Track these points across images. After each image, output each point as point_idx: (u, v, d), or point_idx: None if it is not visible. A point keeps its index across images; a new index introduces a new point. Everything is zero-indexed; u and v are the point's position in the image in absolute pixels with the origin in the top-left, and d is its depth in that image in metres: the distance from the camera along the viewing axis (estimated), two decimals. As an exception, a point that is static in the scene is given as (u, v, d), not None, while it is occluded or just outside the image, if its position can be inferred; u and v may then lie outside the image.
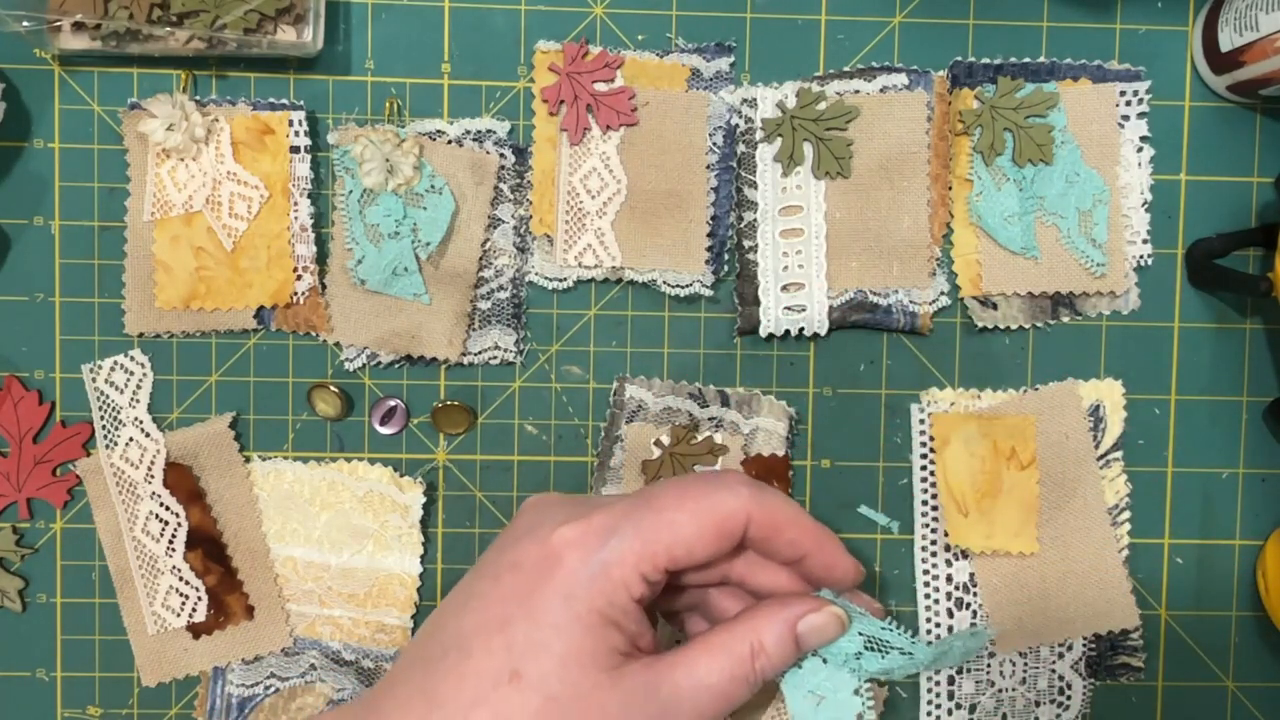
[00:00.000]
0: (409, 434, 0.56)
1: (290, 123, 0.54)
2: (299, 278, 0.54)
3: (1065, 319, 0.56)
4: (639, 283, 0.55)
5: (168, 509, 0.54)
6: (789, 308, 0.55)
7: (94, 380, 0.54)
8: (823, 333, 0.55)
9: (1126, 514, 0.56)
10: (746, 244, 0.55)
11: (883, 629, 0.39)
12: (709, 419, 0.55)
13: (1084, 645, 0.56)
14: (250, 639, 0.55)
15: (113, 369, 0.55)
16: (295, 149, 0.54)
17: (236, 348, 0.55)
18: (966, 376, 0.56)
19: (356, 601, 0.55)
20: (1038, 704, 0.56)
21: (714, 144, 0.55)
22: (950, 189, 0.55)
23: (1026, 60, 0.55)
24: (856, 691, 0.39)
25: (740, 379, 0.56)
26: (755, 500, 0.38)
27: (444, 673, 0.35)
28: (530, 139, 0.55)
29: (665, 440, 0.55)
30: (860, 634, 0.39)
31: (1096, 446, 0.56)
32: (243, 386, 0.55)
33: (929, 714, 0.56)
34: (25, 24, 0.50)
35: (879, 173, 0.54)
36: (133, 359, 0.55)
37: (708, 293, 0.55)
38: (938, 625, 0.56)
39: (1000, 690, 0.56)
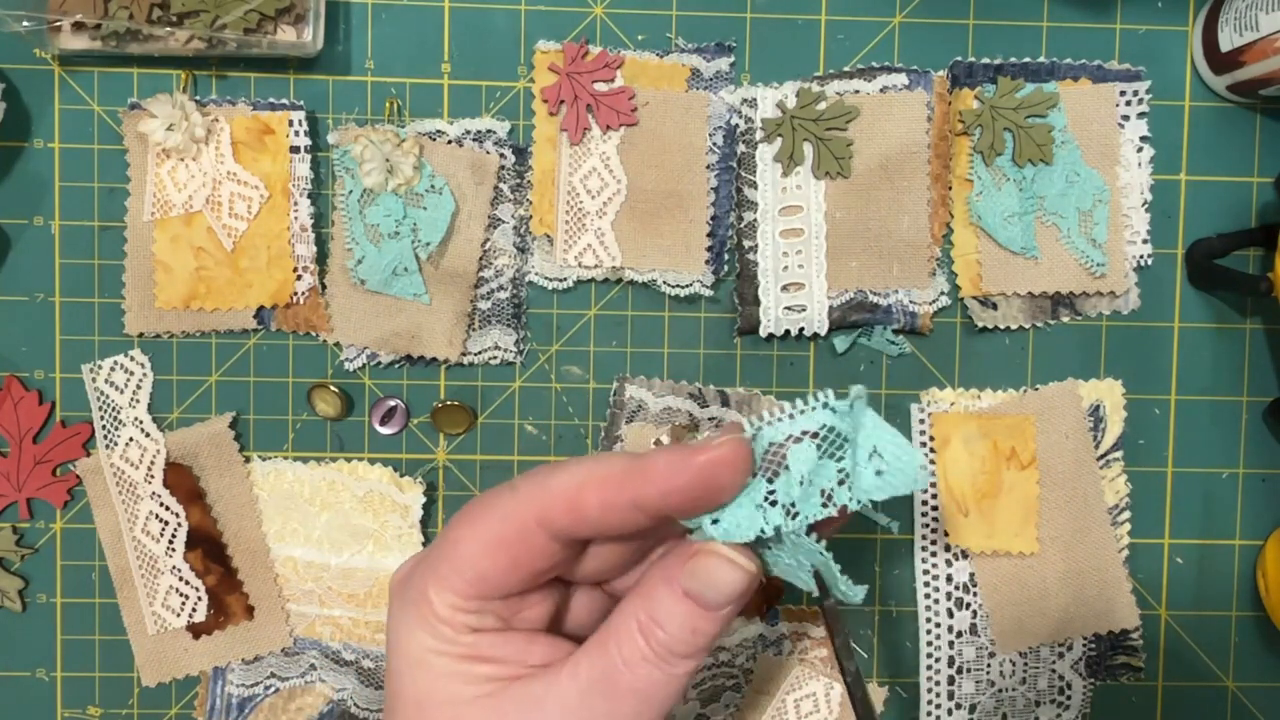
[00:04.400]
0: (409, 434, 0.56)
1: (290, 123, 0.54)
2: (299, 278, 0.54)
3: (1065, 319, 0.56)
4: (639, 283, 0.55)
5: (168, 509, 0.54)
6: (789, 308, 0.55)
7: (94, 380, 0.54)
8: (823, 333, 0.55)
9: (1126, 514, 0.56)
10: (746, 244, 0.55)
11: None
12: (709, 419, 0.55)
13: (1084, 645, 0.56)
14: (250, 639, 0.55)
15: (113, 369, 0.55)
16: (295, 149, 0.54)
17: (236, 348, 0.55)
18: (966, 376, 0.56)
19: (356, 601, 0.55)
20: (1038, 704, 0.56)
21: (714, 144, 0.55)
22: (950, 189, 0.55)
23: (1026, 60, 0.55)
24: (817, 541, 0.32)
25: (740, 379, 0.56)
26: (531, 495, 0.32)
27: None
28: (530, 139, 0.55)
29: (665, 440, 0.55)
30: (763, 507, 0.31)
31: (1096, 446, 0.56)
32: (243, 386, 0.55)
33: (929, 714, 0.56)
34: (25, 24, 0.50)
35: (879, 173, 0.54)
36: (133, 359, 0.55)
37: (708, 293, 0.55)
38: (938, 625, 0.56)
39: (1000, 690, 0.56)
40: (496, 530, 0.32)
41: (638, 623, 0.32)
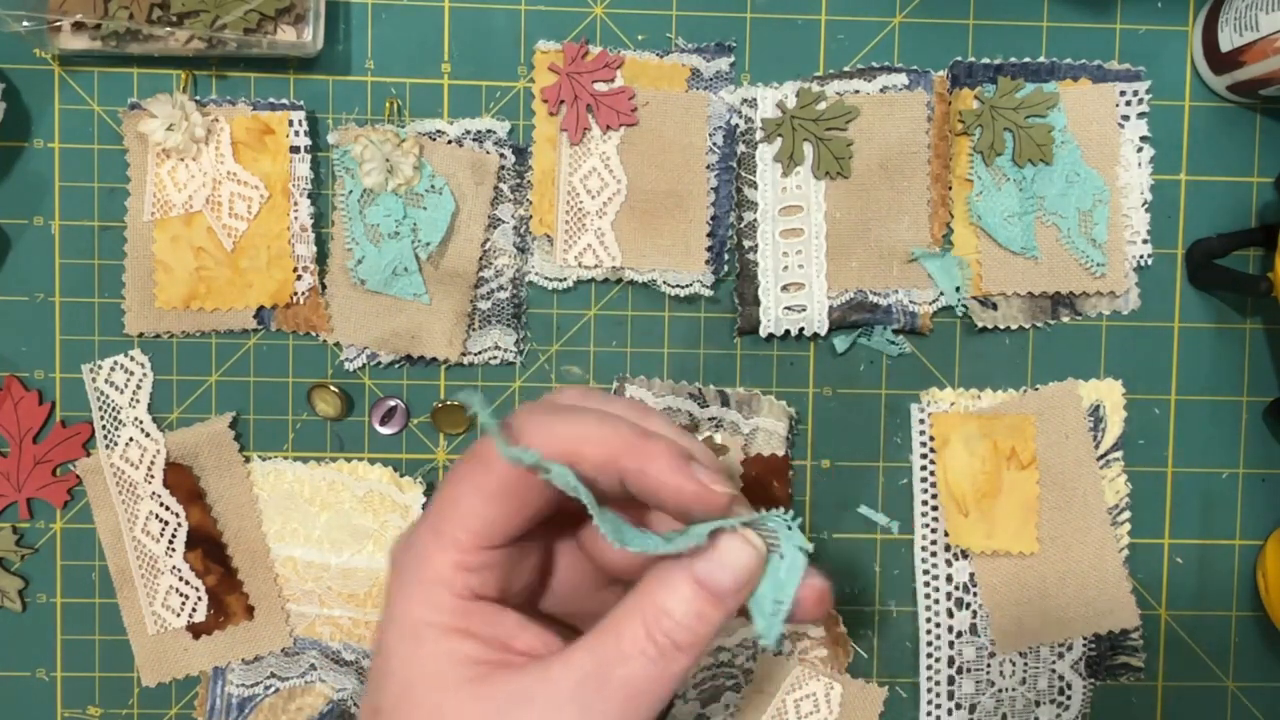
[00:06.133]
0: (409, 434, 0.56)
1: (290, 123, 0.54)
2: (299, 278, 0.54)
3: (1065, 319, 0.56)
4: (639, 283, 0.55)
5: (168, 509, 0.54)
6: (789, 308, 0.55)
7: (94, 380, 0.54)
8: (823, 333, 0.55)
9: (1126, 514, 0.56)
10: (746, 244, 0.55)
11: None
12: (709, 419, 0.55)
13: (1084, 645, 0.56)
14: (250, 639, 0.55)
15: (113, 369, 0.55)
16: (295, 149, 0.54)
17: (236, 348, 0.55)
18: (966, 376, 0.56)
19: (356, 601, 0.55)
20: (1038, 704, 0.56)
21: (714, 144, 0.55)
22: (950, 189, 0.55)
23: (1026, 60, 0.55)
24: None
25: (740, 379, 0.56)
26: (541, 435, 0.32)
27: None
28: (530, 139, 0.55)
29: (665, 440, 0.55)
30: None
31: (1096, 446, 0.56)
32: (243, 386, 0.55)
33: (929, 714, 0.56)
34: (25, 24, 0.50)
35: (879, 173, 0.54)
36: (133, 359, 0.55)
37: (708, 293, 0.55)
38: (938, 625, 0.56)
39: (1000, 690, 0.56)
40: (500, 477, 0.32)
41: (642, 613, 0.31)
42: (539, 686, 0.31)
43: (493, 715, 0.31)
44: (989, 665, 0.56)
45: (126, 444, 0.54)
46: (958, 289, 0.55)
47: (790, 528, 0.32)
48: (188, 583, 0.54)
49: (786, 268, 0.55)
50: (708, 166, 0.55)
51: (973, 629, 0.56)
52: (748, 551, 0.31)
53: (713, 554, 0.31)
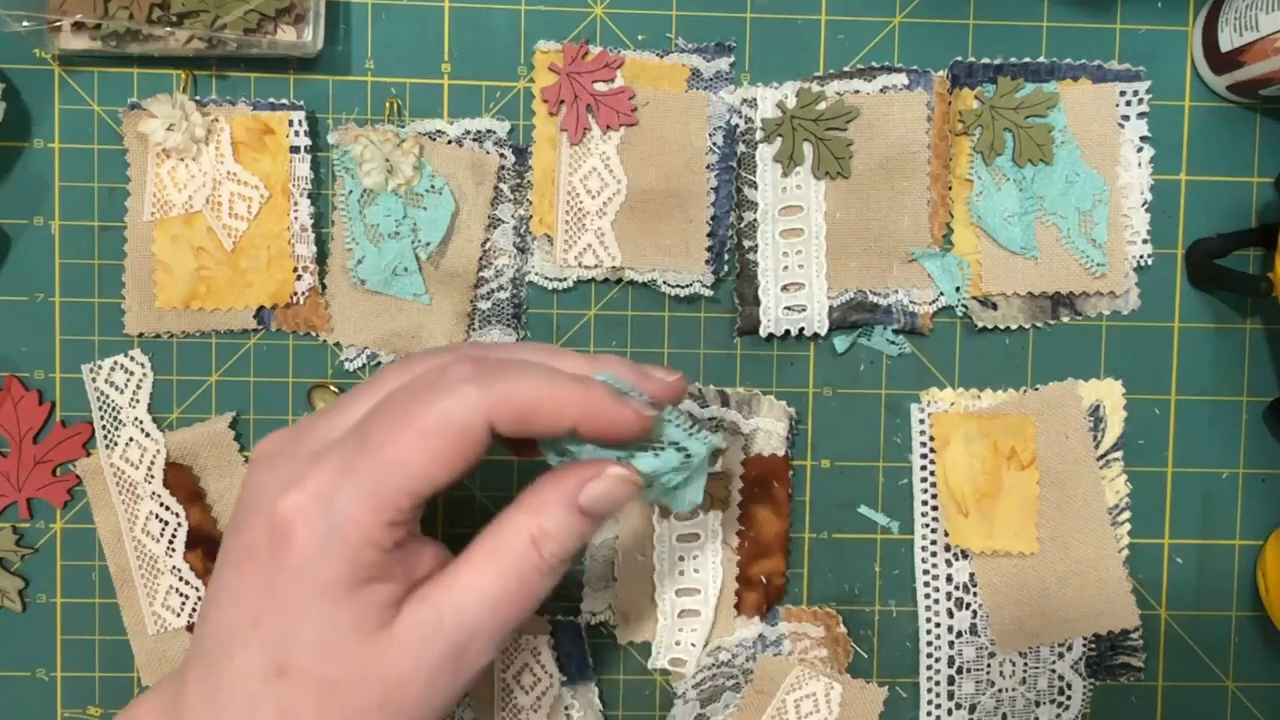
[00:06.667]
0: (409, 434, 0.56)
1: (290, 123, 0.54)
2: (299, 278, 0.54)
3: (1065, 319, 0.56)
4: (639, 283, 0.55)
5: (168, 509, 0.54)
6: (789, 308, 0.55)
7: (94, 380, 0.54)
8: (823, 333, 0.55)
9: (1126, 514, 0.56)
10: (746, 244, 0.55)
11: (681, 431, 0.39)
12: (709, 419, 0.55)
13: (1084, 645, 0.56)
14: (250, 639, 0.55)
15: (113, 369, 0.55)
16: (295, 149, 0.54)
17: (236, 348, 0.55)
18: (966, 376, 0.56)
19: (356, 601, 0.55)
20: (1038, 704, 0.56)
21: (714, 144, 0.55)
22: (950, 189, 0.55)
23: (1026, 60, 0.55)
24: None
25: (740, 379, 0.56)
26: (489, 398, 0.33)
27: (216, 674, 0.34)
28: (530, 139, 0.55)
29: (665, 440, 0.55)
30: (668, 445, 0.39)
31: (1096, 446, 0.56)
32: (243, 386, 0.55)
33: (929, 714, 0.56)
34: (25, 24, 0.50)
35: (879, 173, 0.54)
36: (133, 359, 0.55)
37: (708, 293, 0.55)
38: (938, 625, 0.56)
39: (1000, 690, 0.56)
40: (450, 442, 0.33)
41: (530, 536, 0.35)
42: (449, 617, 0.34)
43: (414, 652, 0.33)
44: (989, 665, 0.56)
45: (126, 444, 0.54)
46: (958, 289, 0.55)
47: (693, 433, 0.39)
48: (188, 583, 0.54)
49: (786, 268, 0.55)
50: (708, 166, 0.55)
51: (973, 629, 0.56)
52: (629, 490, 0.37)
53: (596, 489, 0.36)
